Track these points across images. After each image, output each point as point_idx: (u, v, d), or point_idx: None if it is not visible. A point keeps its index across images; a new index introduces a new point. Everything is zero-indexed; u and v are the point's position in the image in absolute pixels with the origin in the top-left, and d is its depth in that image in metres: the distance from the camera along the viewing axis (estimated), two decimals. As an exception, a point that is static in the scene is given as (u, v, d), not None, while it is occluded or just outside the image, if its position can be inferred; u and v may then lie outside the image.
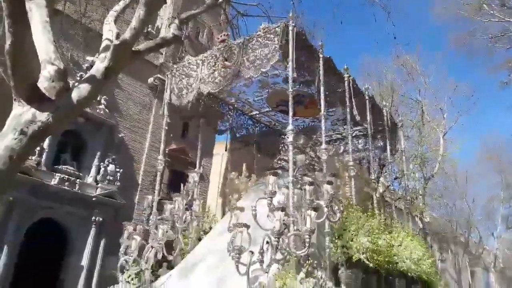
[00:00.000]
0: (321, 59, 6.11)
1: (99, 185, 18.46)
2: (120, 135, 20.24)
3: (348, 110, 6.68)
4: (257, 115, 8.63)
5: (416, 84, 25.94)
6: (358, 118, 7.07)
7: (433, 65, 28.11)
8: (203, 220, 6.72)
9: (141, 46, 5.68)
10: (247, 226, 4.31)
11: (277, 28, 5.65)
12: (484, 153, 32.61)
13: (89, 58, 18.04)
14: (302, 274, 4.21)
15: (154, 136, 22.16)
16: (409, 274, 6.47)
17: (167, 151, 22.75)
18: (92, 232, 17.88)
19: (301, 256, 4.38)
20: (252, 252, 4.31)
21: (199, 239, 6.40)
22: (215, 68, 6.39)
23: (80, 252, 17.52)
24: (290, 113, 5.59)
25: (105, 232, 18.25)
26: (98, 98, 18.67)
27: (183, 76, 6.96)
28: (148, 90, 22.12)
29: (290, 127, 5.47)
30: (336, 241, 5.10)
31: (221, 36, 6.86)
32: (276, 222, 4.27)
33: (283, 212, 4.36)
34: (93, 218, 17.94)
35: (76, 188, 17.71)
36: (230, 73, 6.14)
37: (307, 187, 4.72)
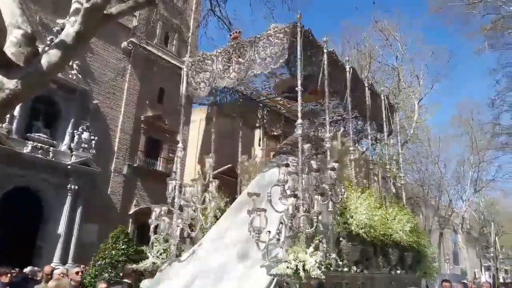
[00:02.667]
0: (325, 54, 6.63)
1: (74, 152, 18.14)
2: (94, 102, 19.75)
3: (349, 98, 7.27)
4: (265, 100, 9.09)
5: (394, 50, 26.04)
6: (369, 107, 7.79)
7: (411, 31, 28.24)
8: (219, 199, 7.34)
9: (113, 9, 5.44)
10: (264, 210, 5.05)
11: (286, 28, 6.13)
12: (457, 118, 33.41)
13: (60, 21, 17.29)
14: (311, 249, 4.89)
15: (129, 103, 21.74)
16: (402, 244, 7.17)
17: (142, 118, 22.46)
18: (68, 200, 17.70)
19: (309, 233, 5.07)
20: (269, 232, 5.05)
21: (216, 217, 7.13)
22: (230, 64, 6.81)
23: (56, 220, 17.39)
24: (299, 108, 6.00)
25: (81, 200, 18.11)
26: (70, 63, 18.05)
27: (199, 71, 7.31)
28: (122, 54, 21.48)
29: (299, 121, 5.94)
30: (338, 218, 5.75)
31: (233, 33, 7.18)
32: (290, 207, 5.01)
33: (295, 198, 5.10)
34: (69, 186, 17.71)
35: (50, 156, 17.37)
36: (244, 70, 6.58)
37: (314, 174, 5.43)
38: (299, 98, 6.02)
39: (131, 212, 21.16)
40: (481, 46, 16.84)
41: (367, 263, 6.36)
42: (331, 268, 5.27)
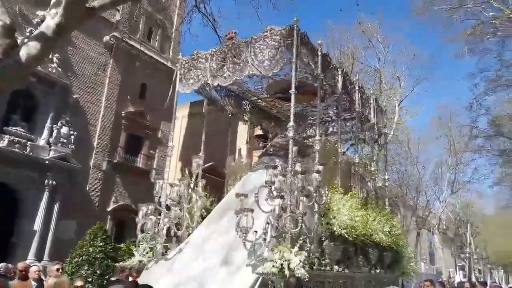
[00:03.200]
0: (319, 57, 6.73)
1: (52, 147, 17.79)
2: (74, 96, 19.39)
3: (341, 100, 7.61)
4: (256, 100, 9.16)
5: (376, 52, 26.31)
6: (359, 109, 7.95)
7: (394, 34, 28.54)
8: (205, 199, 7.51)
9: (96, 2, 5.34)
10: (252, 210, 5.17)
11: (283, 31, 6.18)
12: (437, 120, 34.00)
13: (40, 13, 16.88)
14: (296, 248, 5.04)
15: (109, 98, 21.43)
16: (381, 244, 7.40)
17: (123, 114, 22.17)
18: (45, 195, 17.35)
19: (294, 233, 5.21)
20: (256, 231, 5.20)
21: (202, 216, 7.27)
22: (224, 63, 6.87)
23: (32, 216, 17.03)
24: (292, 111, 6.12)
25: (59, 196, 17.77)
26: (50, 56, 17.68)
27: (192, 68, 7.41)
28: (104, 49, 21.13)
29: (291, 123, 6.03)
30: (322, 219, 5.89)
31: (229, 33, 7.28)
32: (276, 207, 5.13)
33: (282, 199, 5.22)
34: (46, 181, 17.35)
35: (28, 150, 17.00)
36: (239, 70, 6.63)
37: (300, 176, 5.58)
38: (292, 101, 6.11)
39: (109, 208, 20.89)
40: (461, 51, 17.14)
41: (348, 262, 6.53)
42: (314, 267, 5.40)
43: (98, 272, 12.23)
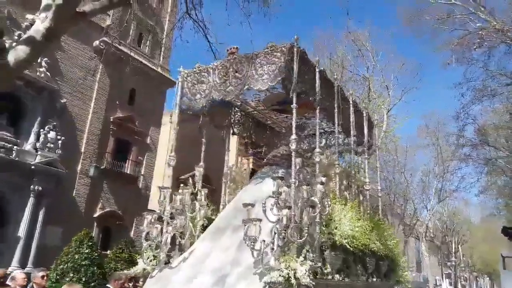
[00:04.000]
0: (317, 72, 6.96)
1: (39, 152, 17.54)
2: (62, 101, 19.19)
3: (336, 114, 7.67)
4: (252, 112, 9.34)
5: (365, 60, 26.59)
6: (353, 123, 8.21)
7: (383, 43, 28.91)
8: (208, 208, 7.66)
9: (86, 7, 5.31)
10: (260, 220, 5.35)
11: (283, 48, 6.37)
12: (424, 129, 34.40)
13: (29, 16, 16.71)
14: (301, 258, 5.26)
15: (98, 103, 21.27)
16: (378, 253, 7.56)
17: (111, 119, 22.00)
18: (31, 201, 17.07)
19: (300, 243, 5.43)
20: (264, 241, 5.40)
21: (203, 225, 7.37)
22: (226, 78, 6.98)
23: (17, 221, 16.74)
24: (293, 124, 6.30)
25: (45, 201, 17.51)
26: (39, 60, 17.50)
27: (195, 82, 7.47)
28: (94, 53, 21.00)
29: (293, 136, 6.20)
30: (324, 229, 6.05)
31: (230, 48, 7.50)
32: (284, 218, 5.31)
33: (289, 210, 5.39)
34: (32, 187, 17.08)
35: (13, 155, 16.75)
36: (241, 84, 6.80)
37: (304, 187, 5.81)
38: (294, 115, 6.30)
39: (96, 215, 20.64)
40: (448, 60, 17.37)
41: (348, 271, 6.65)
42: (317, 276, 5.52)
43: (83, 279, 12.08)
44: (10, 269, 13.93)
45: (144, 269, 6.71)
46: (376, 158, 10.89)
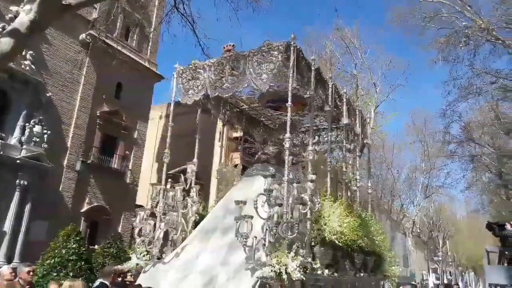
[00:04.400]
0: (313, 71, 7.02)
1: (24, 146, 17.34)
2: (48, 94, 18.94)
3: (331, 111, 7.81)
4: (246, 109, 9.45)
5: (353, 57, 26.72)
6: (345, 121, 8.40)
7: (371, 40, 29.08)
8: (199, 204, 7.80)
9: (73, -1, 5.26)
10: (251, 217, 5.45)
11: (280, 46, 6.42)
12: (412, 126, 34.75)
13: (13, 8, 16.39)
14: (292, 253, 5.36)
15: (84, 97, 21.05)
16: (365, 248, 7.73)
17: (98, 113, 21.81)
18: (16, 196, 16.89)
19: (290, 239, 5.52)
20: (255, 237, 5.53)
21: (195, 221, 7.51)
22: (223, 75, 7.02)
23: (2, 216, 16.54)
24: (288, 123, 6.22)
25: (30, 196, 17.33)
26: (24, 53, 17.25)
27: (190, 78, 7.55)
28: (80, 47, 20.75)
29: (287, 135, 6.26)
30: (314, 225, 6.20)
31: (227, 46, 7.66)
32: (275, 214, 5.49)
33: (280, 207, 5.57)
34: (17, 181, 16.89)
35: (-2, 149, 16.54)
36: (238, 82, 6.85)
37: (295, 185, 5.92)
38: (289, 113, 6.36)
39: (83, 210, 20.51)
40: (435, 58, 17.53)
41: (336, 266, 6.80)
42: (307, 271, 5.63)
43: (71, 274, 11.99)
44: (-6, 264, 13.80)
45: (137, 264, 6.81)
46: (368, 156, 11.04)
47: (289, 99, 6.25)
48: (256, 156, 8.73)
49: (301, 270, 5.32)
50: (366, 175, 10.48)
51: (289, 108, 6.30)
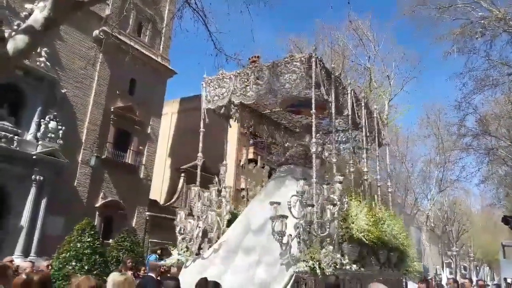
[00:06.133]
0: (332, 78, 7.45)
1: (40, 142, 17.59)
2: (62, 91, 19.18)
3: (350, 116, 8.22)
4: (268, 113, 9.95)
5: (366, 50, 26.46)
6: (361, 124, 8.80)
7: (384, 33, 28.70)
8: (231, 203, 8.39)
9: (85, -4, 5.28)
10: (286, 217, 5.87)
11: (303, 58, 6.96)
12: (425, 119, 34.30)
13: (28, 6, 16.65)
14: (324, 250, 5.82)
15: (98, 93, 21.25)
16: (389, 245, 8.12)
17: (112, 109, 22.00)
18: (32, 191, 17.16)
19: (322, 237, 6.02)
20: (291, 235, 5.95)
21: (229, 220, 7.96)
22: (247, 84, 7.60)
23: (19, 211, 16.85)
24: (313, 129, 6.80)
25: (46, 191, 17.60)
26: (38, 50, 17.44)
27: (216, 87, 8.13)
28: (93, 43, 20.91)
29: (313, 140, 6.72)
30: (342, 223, 6.64)
31: (252, 57, 8.12)
32: (308, 214, 5.94)
33: (313, 207, 6.03)
34: (33, 176, 17.16)
35: (14, 145, 16.80)
36: (262, 90, 7.43)
37: (325, 186, 6.46)
38: (313, 121, 6.83)
39: (97, 204, 20.75)
40: (450, 50, 17.24)
41: (363, 261, 7.15)
42: (337, 267, 5.99)
43: (86, 267, 12.17)
44: (13, 257, 14.07)
45: (179, 260, 7.29)
46: (386, 156, 11.35)
47: (313, 107, 6.69)
48: (284, 158, 9.19)
49: (333, 265, 5.73)
50: (384, 174, 10.68)
51: (313, 116, 6.77)
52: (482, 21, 15.24)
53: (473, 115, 22.53)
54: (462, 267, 50.82)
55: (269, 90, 7.28)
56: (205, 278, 5.25)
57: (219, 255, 6.91)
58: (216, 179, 8.10)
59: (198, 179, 7.94)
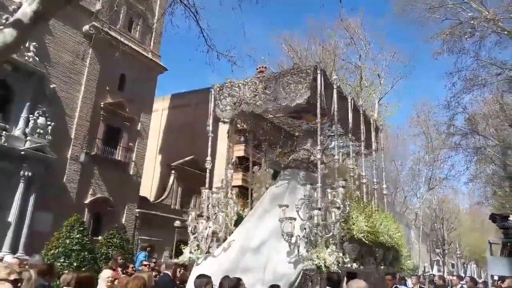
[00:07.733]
0: (334, 89, 7.81)
1: (28, 138, 17.41)
2: (51, 86, 18.98)
3: (350, 122, 8.60)
4: (270, 117, 10.23)
5: (357, 48, 26.58)
6: (363, 131, 9.16)
7: (375, 32, 28.88)
8: (238, 204, 8.79)
9: (75, -10, 5.25)
10: (294, 219, 6.33)
11: (308, 70, 7.43)
12: (415, 117, 34.57)
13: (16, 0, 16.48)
14: (329, 250, 6.26)
15: (88, 89, 21.07)
16: (386, 244, 8.50)
17: (102, 105, 21.83)
18: (21, 187, 17.00)
19: (327, 238, 6.45)
20: (298, 236, 6.39)
21: (236, 220, 8.30)
22: (256, 93, 7.92)
23: (7, 207, 16.67)
24: (319, 137, 7.31)
25: (35, 187, 17.44)
26: (27, 45, 17.24)
27: (226, 95, 8.35)
28: (83, 38, 20.71)
29: (318, 147, 7.28)
30: (343, 225, 7.01)
31: (259, 67, 8.34)
32: (315, 217, 6.40)
33: (319, 211, 6.46)
34: (22, 172, 17.00)
35: (2, 141, 16.60)
36: (270, 99, 7.75)
37: (329, 190, 6.86)
38: (319, 129, 7.35)
39: (87, 201, 20.63)
40: (439, 50, 17.39)
41: (362, 260, 7.53)
42: (339, 265, 6.38)
43: (74, 264, 12.12)
44: (1, 254, 13.94)
45: (190, 258, 7.59)
46: (381, 159, 11.69)
47: (318, 116, 7.13)
48: (288, 161, 9.49)
49: (336, 264, 6.13)
50: (380, 177, 11.07)
51: (318, 125, 7.28)
52: (472, 22, 15.39)
53: (462, 114, 22.80)
54: (450, 264, 51.40)
55: (275, 99, 7.65)
56: (227, 276, 5.65)
57: (229, 254, 7.19)
58: (224, 181, 8.54)
59: (207, 181, 8.22)
